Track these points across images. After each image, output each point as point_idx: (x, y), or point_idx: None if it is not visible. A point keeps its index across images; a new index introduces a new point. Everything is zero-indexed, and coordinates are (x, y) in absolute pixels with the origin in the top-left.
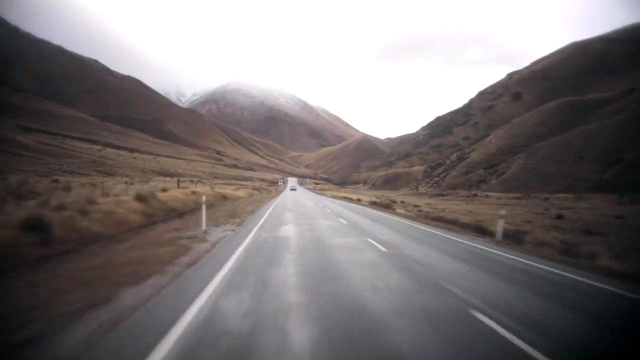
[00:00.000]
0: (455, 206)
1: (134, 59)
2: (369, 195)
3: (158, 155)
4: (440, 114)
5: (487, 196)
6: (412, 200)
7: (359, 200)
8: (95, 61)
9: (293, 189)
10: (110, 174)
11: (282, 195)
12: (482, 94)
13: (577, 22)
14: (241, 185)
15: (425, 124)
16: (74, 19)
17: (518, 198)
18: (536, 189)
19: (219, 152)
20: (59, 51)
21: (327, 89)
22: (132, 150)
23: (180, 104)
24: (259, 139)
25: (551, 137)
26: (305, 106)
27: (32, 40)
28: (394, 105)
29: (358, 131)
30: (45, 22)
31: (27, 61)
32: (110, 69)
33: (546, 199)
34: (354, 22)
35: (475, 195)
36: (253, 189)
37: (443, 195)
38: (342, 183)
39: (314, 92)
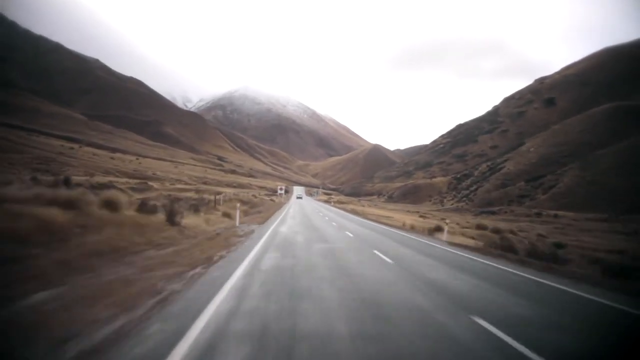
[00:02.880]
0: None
1: (141, 62)
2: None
3: (145, 157)
4: (454, 123)
5: (556, 216)
6: (461, 221)
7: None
8: (97, 60)
9: (299, 197)
10: (54, 174)
11: (271, 235)
12: (508, 100)
13: (590, 35)
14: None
15: (435, 135)
16: (79, 20)
17: (603, 220)
18: (602, 207)
19: (220, 158)
20: (58, 48)
21: (336, 98)
22: (114, 150)
23: (186, 109)
24: (265, 147)
25: (605, 145)
26: (314, 115)
27: (30, 37)
28: (402, 117)
29: (366, 141)
30: (47, 20)
31: (23, 58)
32: (112, 69)
33: None
34: (365, 31)
35: (540, 214)
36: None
37: (493, 213)
38: (354, 194)
39: (323, 101)
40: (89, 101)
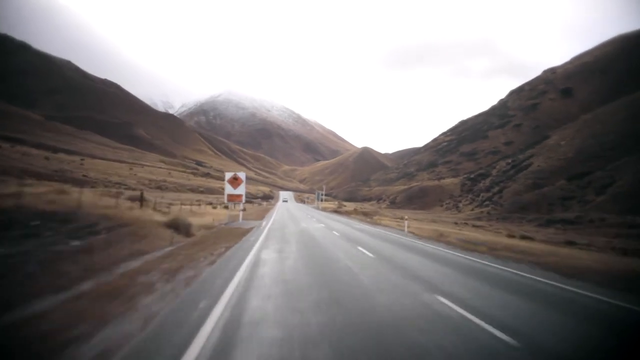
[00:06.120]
0: None
1: (122, 67)
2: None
3: (102, 159)
4: (444, 126)
5: None
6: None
7: None
8: (68, 62)
9: (285, 201)
10: None
11: None
12: (517, 92)
13: (578, 33)
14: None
15: (426, 138)
16: (59, 23)
17: None
18: None
19: (199, 162)
20: (22, 47)
21: (321, 103)
22: (57, 151)
23: (163, 112)
24: (249, 151)
25: None
26: (299, 119)
27: None
28: (389, 121)
29: (353, 146)
30: (16, 19)
31: None
32: (84, 71)
33: None
34: (349, 36)
35: None
36: None
37: (570, 222)
38: (349, 199)
39: (308, 105)
40: (55, 102)
